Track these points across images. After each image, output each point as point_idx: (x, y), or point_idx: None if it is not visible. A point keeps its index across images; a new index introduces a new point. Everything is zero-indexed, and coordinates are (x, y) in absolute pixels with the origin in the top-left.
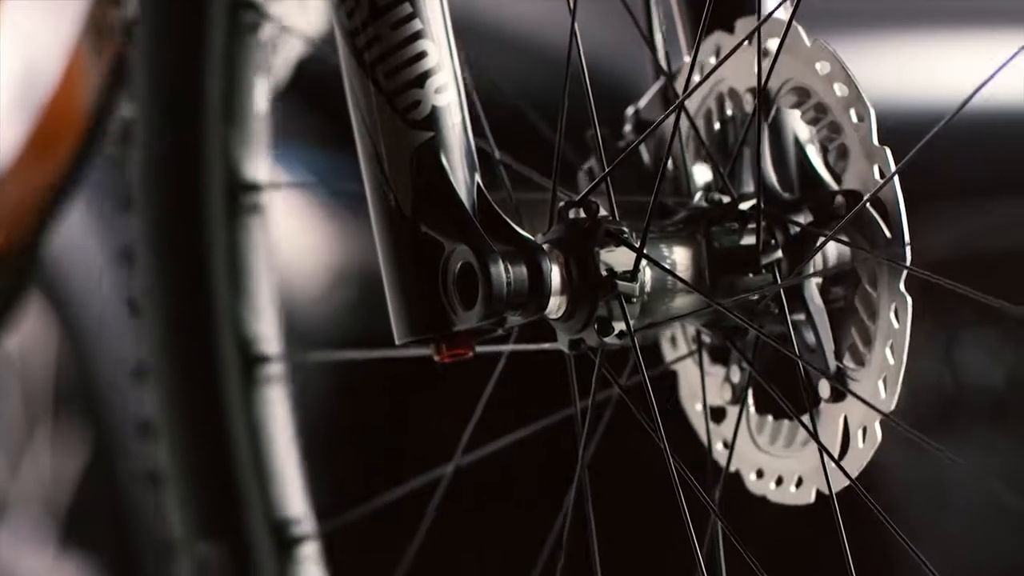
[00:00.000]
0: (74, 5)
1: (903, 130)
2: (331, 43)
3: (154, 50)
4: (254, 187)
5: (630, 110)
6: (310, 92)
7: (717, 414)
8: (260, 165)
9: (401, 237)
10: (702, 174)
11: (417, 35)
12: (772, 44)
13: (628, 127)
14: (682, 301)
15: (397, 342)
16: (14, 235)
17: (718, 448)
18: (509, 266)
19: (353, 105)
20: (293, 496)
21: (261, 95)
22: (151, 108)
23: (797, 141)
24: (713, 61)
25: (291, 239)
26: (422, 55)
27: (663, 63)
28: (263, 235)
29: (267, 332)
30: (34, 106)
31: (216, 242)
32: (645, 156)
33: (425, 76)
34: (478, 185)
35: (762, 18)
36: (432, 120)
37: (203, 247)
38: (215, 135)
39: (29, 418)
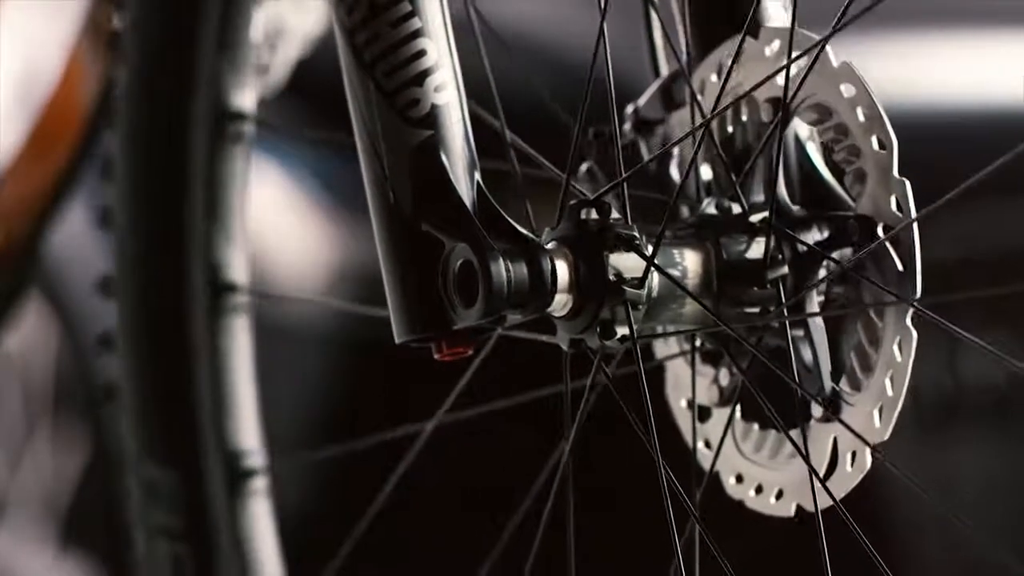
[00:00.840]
0: (74, 5)
1: (904, 129)
2: (330, 41)
3: None
4: (240, 115)
5: (629, 108)
6: (309, 90)
7: (702, 413)
8: (247, 94)
9: (401, 235)
10: (708, 173)
11: (416, 33)
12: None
13: (627, 125)
14: (686, 308)
15: (397, 340)
16: (14, 235)
17: (699, 446)
18: (510, 264)
19: (352, 103)
20: (248, 428)
21: (257, 24)
22: (142, 26)
23: (810, 158)
24: (730, 63)
25: (290, 238)
26: (421, 53)
27: (683, 62)
28: (244, 165)
29: (237, 261)
30: (34, 106)
31: (196, 163)
32: (646, 154)
33: (424, 74)
34: (478, 183)
35: (813, 40)
36: (431, 118)
37: (182, 165)
38: (206, 60)
39: (29, 418)
